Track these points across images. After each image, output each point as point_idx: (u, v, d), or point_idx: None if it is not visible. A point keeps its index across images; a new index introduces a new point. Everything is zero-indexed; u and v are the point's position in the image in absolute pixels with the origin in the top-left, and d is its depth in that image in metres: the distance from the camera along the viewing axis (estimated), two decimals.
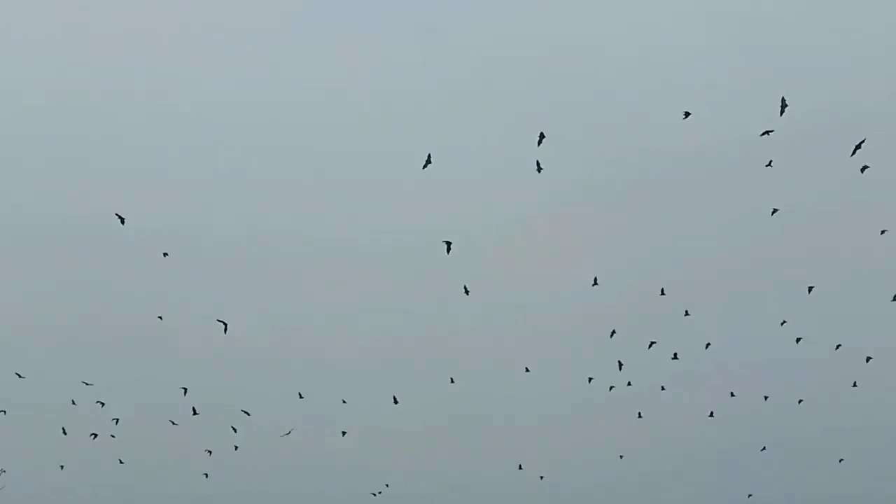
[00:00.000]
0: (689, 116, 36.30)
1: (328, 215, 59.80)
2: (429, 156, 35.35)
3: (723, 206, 54.22)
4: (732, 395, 49.12)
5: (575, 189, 54.69)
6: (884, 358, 48.10)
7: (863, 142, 34.62)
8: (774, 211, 41.45)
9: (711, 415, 48.82)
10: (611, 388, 47.63)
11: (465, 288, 43.48)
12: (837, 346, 47.05)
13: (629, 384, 46.90)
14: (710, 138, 51.31)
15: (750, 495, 52.75)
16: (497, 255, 55.08)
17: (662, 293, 43.94)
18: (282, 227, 59.05)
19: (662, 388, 48.92)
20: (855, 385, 47.67)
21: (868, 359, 47.12)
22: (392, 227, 58.26)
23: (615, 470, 52.64)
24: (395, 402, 48.09)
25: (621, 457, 51.27)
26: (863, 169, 36.59)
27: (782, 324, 46.20)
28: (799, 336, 46.44)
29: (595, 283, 43.69)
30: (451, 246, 38.13)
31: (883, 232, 41.92)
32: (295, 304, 57.36)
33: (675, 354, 45.92)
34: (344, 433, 49.36)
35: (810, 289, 44.10)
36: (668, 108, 48.58)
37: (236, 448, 48.93)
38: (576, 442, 56.16)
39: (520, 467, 51.98)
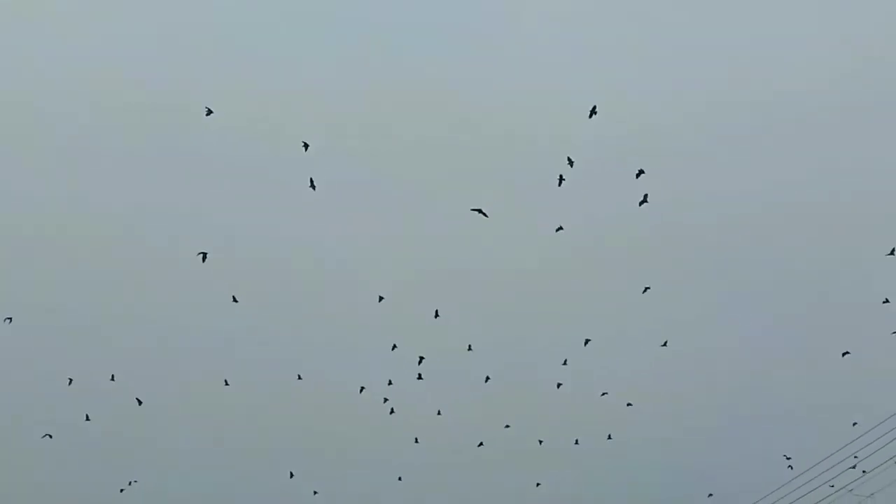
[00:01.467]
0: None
1: None
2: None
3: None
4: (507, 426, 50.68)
5: None
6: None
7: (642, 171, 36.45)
8: (559, 228, 41.88)
9: (481, 444, 51.08)
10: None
11: None
12: (603, 394, 50.63)
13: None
14: None
15: None
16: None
17: (436, 315, 44.81)
18: None
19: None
20: (609, 437, 50.01)
21: (629, 404, 50.03)
22: None
23: None
24: None
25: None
26: (641, 202, 37.78)
27: (564, 363, 48.15)
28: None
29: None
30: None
31: (646, 289, 44.97)
32: None
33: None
34: None
35: (587, 341, 46.06)
36: None
37: None
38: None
39: None
